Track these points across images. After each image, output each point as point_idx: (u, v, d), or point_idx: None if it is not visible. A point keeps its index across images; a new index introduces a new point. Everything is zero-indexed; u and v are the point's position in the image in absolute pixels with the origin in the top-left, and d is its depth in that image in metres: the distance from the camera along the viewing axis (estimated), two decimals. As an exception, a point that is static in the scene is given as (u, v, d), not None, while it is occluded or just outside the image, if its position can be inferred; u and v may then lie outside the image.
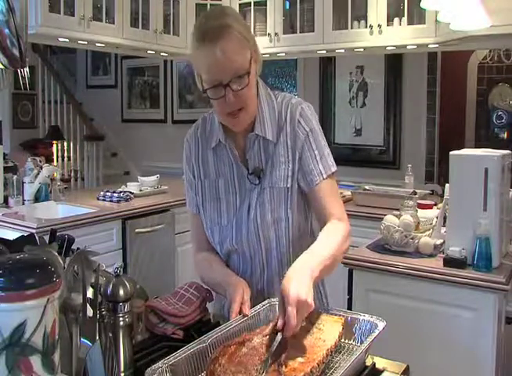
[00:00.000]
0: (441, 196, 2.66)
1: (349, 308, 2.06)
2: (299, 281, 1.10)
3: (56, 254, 1.10)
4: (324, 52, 3.56)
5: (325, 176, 1.38)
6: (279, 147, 1.39)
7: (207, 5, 3.76)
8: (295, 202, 1.41)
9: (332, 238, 1.31)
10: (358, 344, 1.13)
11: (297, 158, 1.39)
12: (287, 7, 3.63)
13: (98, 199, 3.36)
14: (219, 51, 1.22)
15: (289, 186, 1.39)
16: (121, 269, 1.08)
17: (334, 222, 1.36)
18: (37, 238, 1.20)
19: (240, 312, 1.21)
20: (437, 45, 3.08)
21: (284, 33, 3.54)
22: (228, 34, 1.24)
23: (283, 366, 0.98)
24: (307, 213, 1.46)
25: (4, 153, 3.28)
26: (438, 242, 2.10)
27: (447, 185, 2.10)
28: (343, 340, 1.15)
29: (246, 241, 1.41)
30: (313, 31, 3.42)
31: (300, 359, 1.01)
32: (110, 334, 1.04)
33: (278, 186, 1.39)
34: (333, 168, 1.41)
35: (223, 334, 1.10)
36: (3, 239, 1.21)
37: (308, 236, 1.46)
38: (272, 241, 1.41)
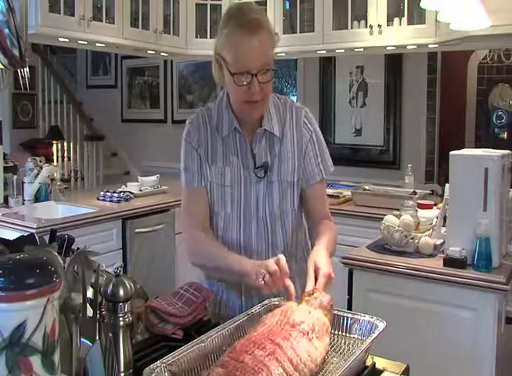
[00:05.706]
0: (441, 196, 2.66)
1: (349, 308, 2.06)
2: (327, 260, 1.28)
3: (56, 254, 1.10)
4: (324, 52, 3.56)
5: (324, 176, 1.54)
6: (287, 143, 1.49)
7: (207, 5, 3.76)
8: (298, 196, 1.52)
9: (333, 236, 1.48)
10: (358, 344, 1.14)
11: (302, 155, 1.50)
12: (287, 7, 3.64)
13: (98, 199, 3.36)
14: (257, 42, 1.32)
15: (295, 179, 1.50)
16: (121, 269, 1.08)
17: (328, 222, 1.54)
18: (37, 238, 1.20)
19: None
20: (437, 45, 3.08)
21: (284, 33, 3.54)
22: (265, 29, 1.36)
23: None
24: (301, 206, 1.56)
25: (4, 153, 3.28)
26: (438, 242, 2.10)
27: (447, 185, 2.10)
28: (342, 341, 1.16)
29: (255, 233, 1.48)
30: (313, 31, 3.42)
31: None
32: (110, 334, 1.03)
33: (286, 180, 1.49)
34: (332, 168, 1.55)
35: (223, 333, 1.10)
36: (3, 239, 1.20)
37: (301, 229, 1.58)
38: (278, 233, 1.49)
